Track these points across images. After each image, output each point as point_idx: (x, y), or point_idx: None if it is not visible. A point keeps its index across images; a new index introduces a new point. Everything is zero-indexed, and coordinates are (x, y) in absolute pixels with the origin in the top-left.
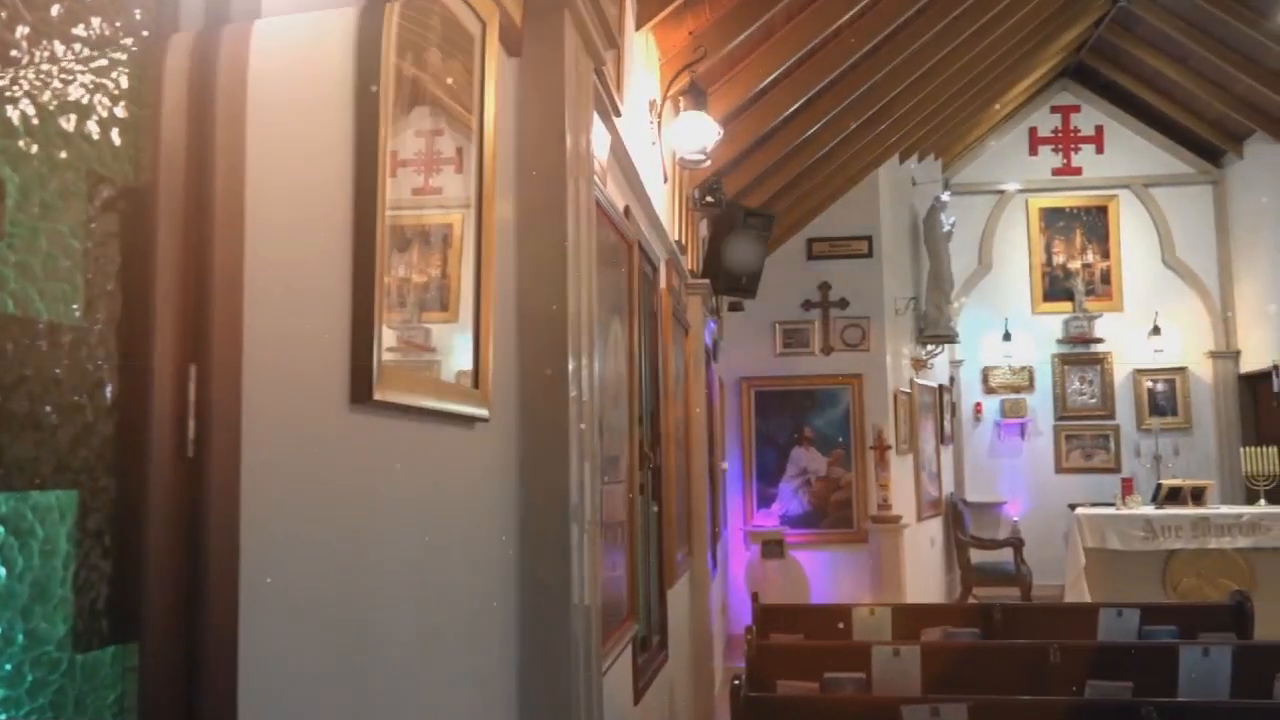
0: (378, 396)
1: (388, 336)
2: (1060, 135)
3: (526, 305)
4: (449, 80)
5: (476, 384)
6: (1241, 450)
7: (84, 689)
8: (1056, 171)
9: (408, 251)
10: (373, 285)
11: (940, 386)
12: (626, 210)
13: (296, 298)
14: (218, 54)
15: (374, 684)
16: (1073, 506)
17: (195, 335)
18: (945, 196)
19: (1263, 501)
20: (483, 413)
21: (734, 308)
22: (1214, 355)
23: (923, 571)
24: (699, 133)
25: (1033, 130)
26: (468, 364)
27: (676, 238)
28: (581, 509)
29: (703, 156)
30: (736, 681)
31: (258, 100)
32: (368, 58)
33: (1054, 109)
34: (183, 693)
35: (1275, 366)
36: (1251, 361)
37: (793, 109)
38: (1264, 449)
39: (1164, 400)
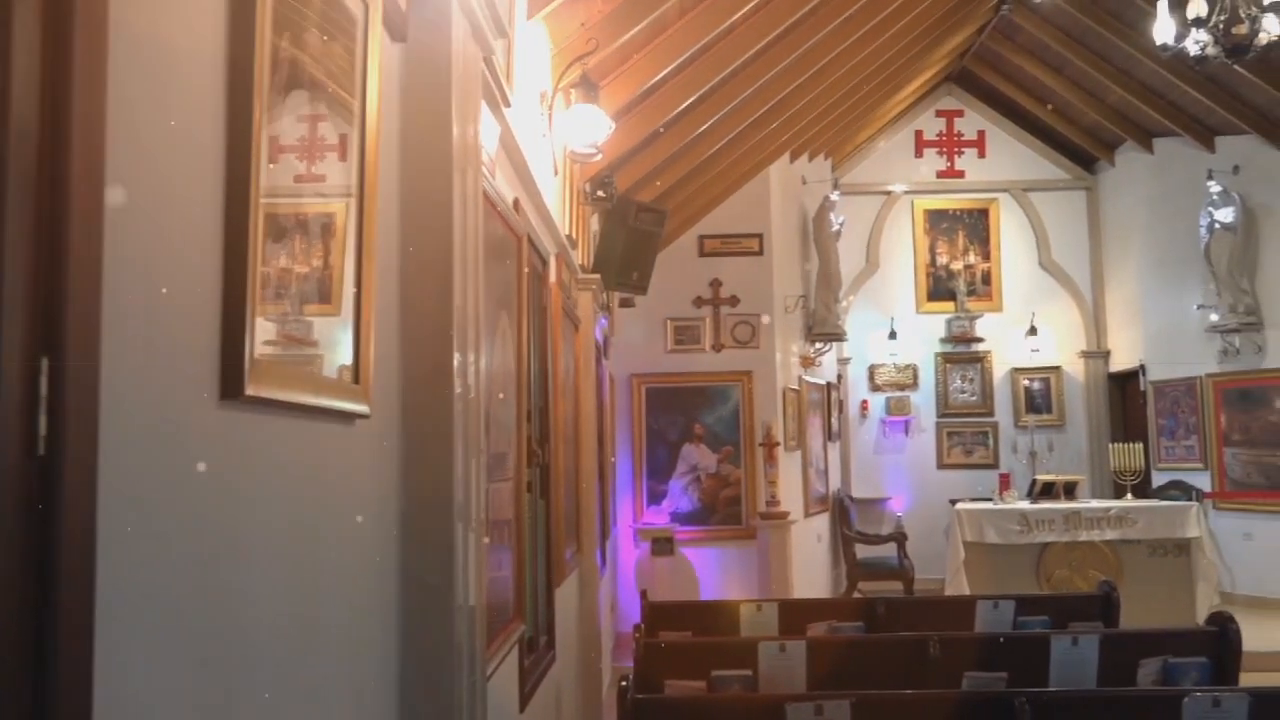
0: (250, 392)
1: (265, 329)
2: (944, 139)
3: (411, 298)
4: (330, 64)
5: (357, 379)
6: (1110, 446)
7: None
8: (941, 174)
9: (288, 241)
10: (245, 275)
11: (828, 384)
12: (516, 203)
13: (162, 287)
14: (74, 24)
15: (244, 695)
16: (953, 501)
17: (47, 325)
18: (834, 196)
19: (1129, 495)
20: (363, 409)
21: (625, 304)
22: (1086, 355)
23: (810, 567)
24: (590, 126)
25: (918, 133)
26: (349, 359)
27: (567, 232)
28: (466, 507)
29: (594, 150)
30: (624, 683)
31: (120, 74)
32: (241, 32)
33: (939, 113)
34: (31, 716)
35: (1142, 366)
36: (1120, 361)
37: (685, 105)
38: (1130, 445)
39: (1039, 398)
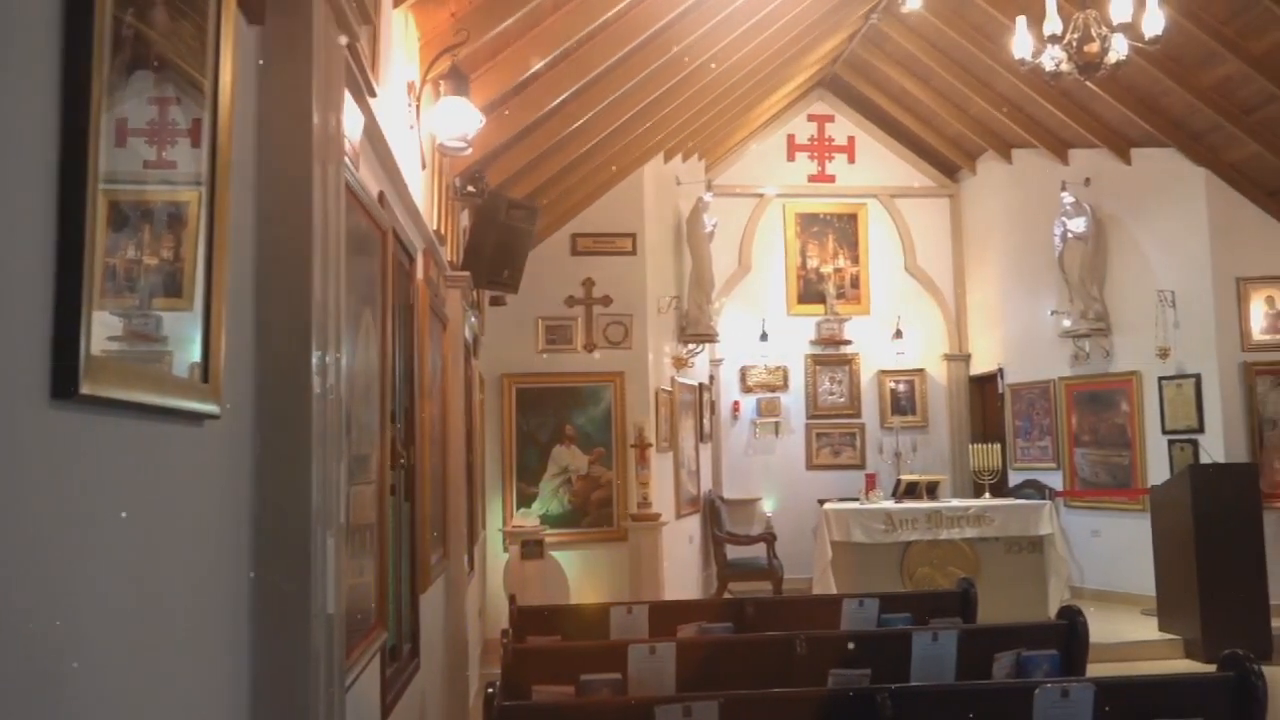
0: (86, 391)
1: (109, 324)
2: (816, 143)
3: (266, 293)
4: (180, 43)
5: (206, 377)
6: (970, 447)
7: None
8: (812, 178)
9: (134, 231)
10: (80, 265)
11: (700, 385)
12: (381, 196)
13: None
14: None
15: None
16: (821, 502)
17: None
18: (708, 197)
19: (987, 495)
20: (212, 409)
21: (495, 302)
22: (948, 358)
23: (681, 568)
24: (460, 119)
25: (790, 137)
26: (200, 356)
27: (436, 227)
28: (325, 511)
29: (464, 144)
30: (490, 689)
31: None
32: (78, 2)
33: (810, 117)
34: None
35: (1000, 369)
36: (980, 364)
37: (559, 100)
38: (989, 446)
39: (904, 400)
